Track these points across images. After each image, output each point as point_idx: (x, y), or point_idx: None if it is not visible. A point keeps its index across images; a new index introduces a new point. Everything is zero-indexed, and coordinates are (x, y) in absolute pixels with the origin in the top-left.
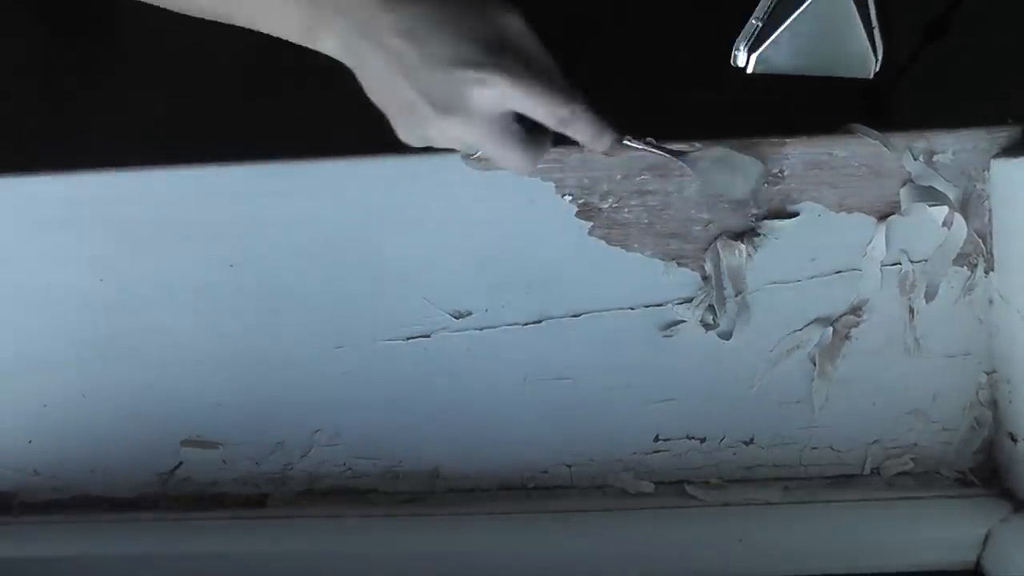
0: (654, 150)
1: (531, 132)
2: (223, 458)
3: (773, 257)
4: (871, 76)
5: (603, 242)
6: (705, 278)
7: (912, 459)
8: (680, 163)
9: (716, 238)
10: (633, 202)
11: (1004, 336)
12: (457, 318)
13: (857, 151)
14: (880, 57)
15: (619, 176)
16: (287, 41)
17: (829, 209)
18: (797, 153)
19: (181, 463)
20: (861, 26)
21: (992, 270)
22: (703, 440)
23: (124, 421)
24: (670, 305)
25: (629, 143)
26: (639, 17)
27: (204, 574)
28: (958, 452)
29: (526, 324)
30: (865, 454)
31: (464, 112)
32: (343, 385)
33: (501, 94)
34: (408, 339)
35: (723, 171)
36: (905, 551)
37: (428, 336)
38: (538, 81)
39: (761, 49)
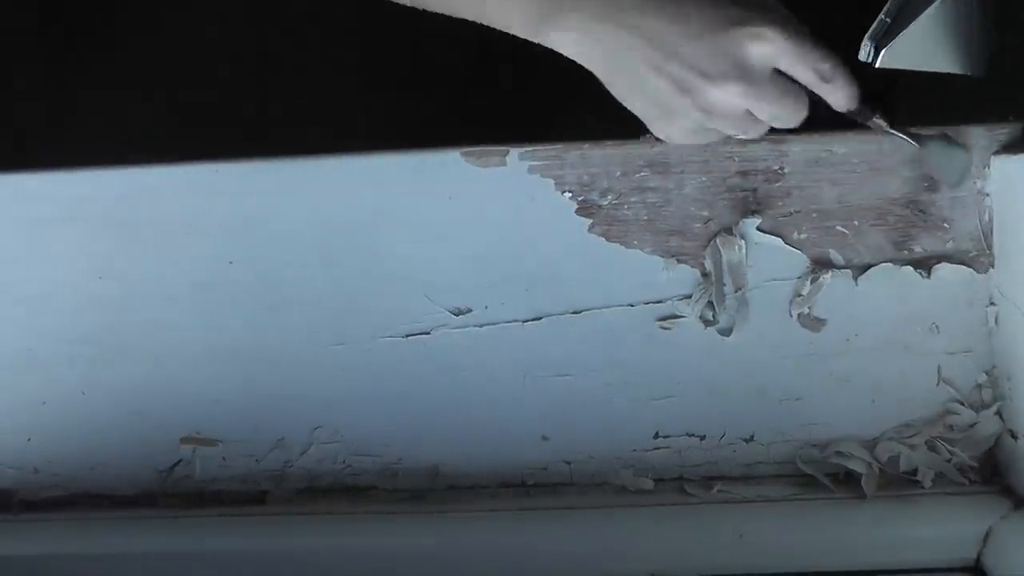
0: (890, 130)
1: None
2: (222, 455)
3: (773, 255)
4: (982, 75)
5: (603, 239)
6: (705, 274)
7: (912, 456)
8: (911, 142)
9: (716, 235)
10: (633, 199)
11: (1004, 333)
12: (457, 315)
13: (856, 148)
14: (991, 55)
15: (619, 173)
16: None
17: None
18: (797, 150)
19: (180, 460)
20: (983, 27)
21: (992, 267)
22: (703, 437)
23: (123, 418)
24: (670, 302)
25: (877, 119)
26: None
27: (203, 572)
28: (959, 449)
29: (526, 321)
30: (865, 451)
31: (743, 72)
32: (343, 382)
33: (775, 48)
34: (408, 336)
35: (944, 157)
36: (905, 548)
37: (428, 333)
38: (805, 35)
39: (889, 45)
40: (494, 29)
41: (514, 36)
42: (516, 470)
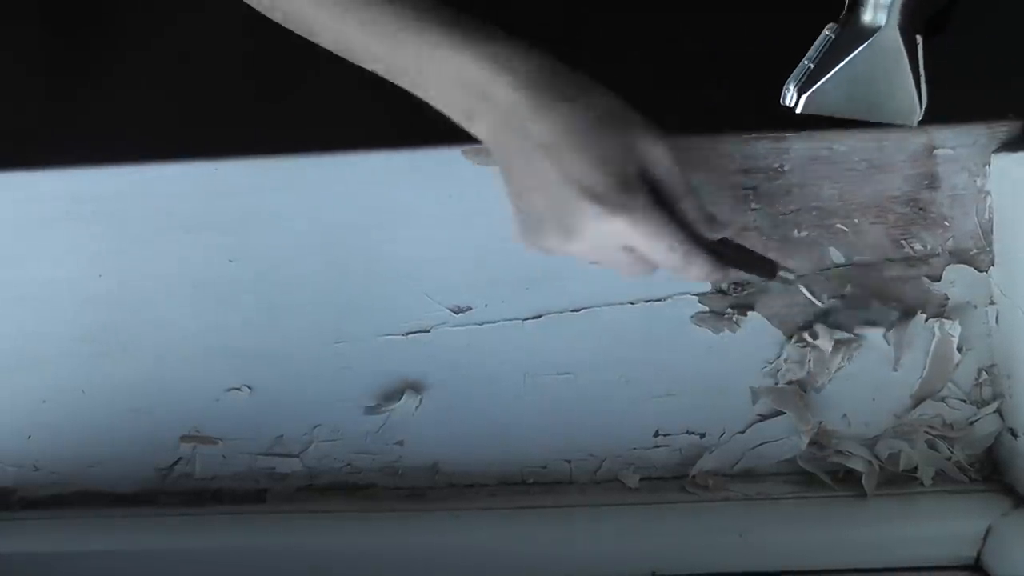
0: (802, 288)
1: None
2: (222, 453)
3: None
4: (915, 125)
5: None
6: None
7: (912, 454)
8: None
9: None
10: None
11: (1004, 331)
12: (457, 313)
13: (857, 146)
14: (924, 107)
15: None
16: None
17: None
18: (797, 147)
19: (180, 458)
20: (910, 75)
21: (992, 265)
22: (703, 435)
23: (123, 416)
24: (670, 300)
25: (784, 275)
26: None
27: (204, 570)
28: (959, 448)
29: (526, 319)
30: (865, 449)
31: (581, 239)
32: (342, 380)
33: (621, 232)
34: (408, 334)
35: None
36: (905, 546)
37: (428, 331)
38: (661, 226)
39: (811, 91)
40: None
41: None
42: (516, 468)
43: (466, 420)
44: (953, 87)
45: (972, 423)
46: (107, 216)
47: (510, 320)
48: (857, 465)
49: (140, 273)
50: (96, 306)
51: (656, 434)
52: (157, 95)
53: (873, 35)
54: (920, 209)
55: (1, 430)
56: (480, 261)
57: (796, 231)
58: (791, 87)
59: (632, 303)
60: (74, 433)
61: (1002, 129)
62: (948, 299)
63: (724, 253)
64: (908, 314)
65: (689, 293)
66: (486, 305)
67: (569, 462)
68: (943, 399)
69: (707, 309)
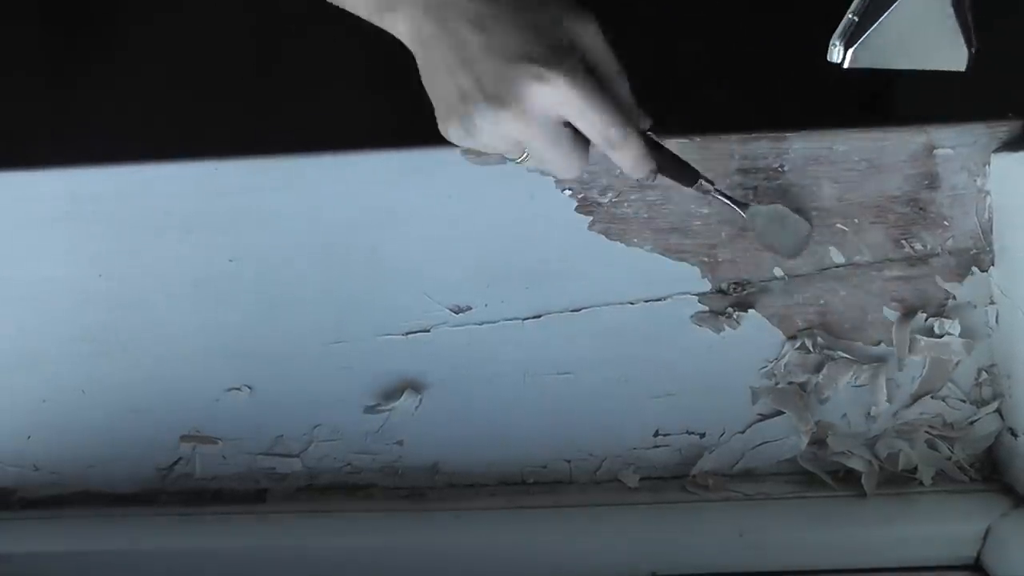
0: (717, 195)
1: (578, 138)
2: (222, 453)
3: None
4: (964, 69)
5: (603, 237)
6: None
7: (912, 454)
8: (740, 212)
9: None
10: (633, 197)
11: (1004, 331)
12: (456, 313)
13: (857, 146)
14: (974, 49)
15: (619, 171)
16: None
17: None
18: (797, 147)
19: (180, 458)
20: (956, 19)
21: (992, 265)
22: (703, 435)
23: (123, 416)
24: (670, 299)
25: (703, 184)
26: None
27: (203, 570)
28: (958, 447)
29: (526, 319)
30: (865, 449)
31: (517, 107)
32: (342, 380)
33: (558, 96)
34: (407, 334)
35: (776, 227)
36: (905, 546)
37: (427, 331)
38: (598, 93)
39: (857, 44)
40: None
41: None
42: (516, 468)
43: (466, 420)
44: (953, 87)
45: (972, 423)
46: (107, 216)
47: (510, 320)
48: (857, 465)
49: (140, 273)
50: (96, 306)
51: (656, 434)
52: (157, 95)
53: None
54: (920, 209)
55: (1, 430)
56: (480, 261)
57: None
58: (837, 43)
59: (632, 303)
60: (74, 433)
61: (1002, 129)
62: (948, 299)
63: (651, 146)
64: (908, 314)
65: (689, 293)
66: (486, 305)
67: (569, 462)
68: (943, 399)
69: (707, 309)
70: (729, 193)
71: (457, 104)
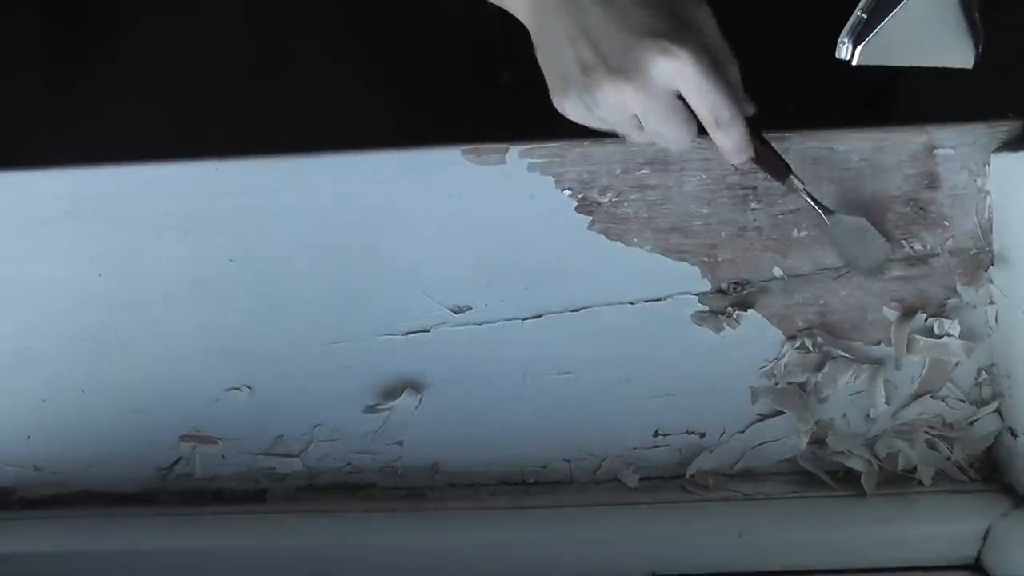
0: (805, 196)
1: (690, 111)
2: (222, 453)
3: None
4: (971, 67)
5: (603, 236)
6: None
7: (912, 454)
8: (823, 217)
9: None
10: (633, 196)
11: (1004, 331)
12: (456, 313)
13: (857, 146)
14: (981, 48)
15: (619, 171)
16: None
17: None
18: (797, 148)
19: (180, 458)
20: (963, 17)
21: (992, 265)
22: (703, 435)
23: (123, 416)
24: (670, 299)
25: (794, 182)
26: None
27: (203, 569)
28: (958, 447)
29: (525, 319)
30: (865, 449)
31: (640, 79)
32: (342, 380)
33: (679, 70)
34: (407, 334)
35: (854, 239)
36: (905, 546)
37: (427, 331)
38: (715, 72)
39: (866, 41)
40: (493, 27)
41: (515, 34)
42: (516, 468)
43: (466, 420)
44: (953, 87)
45: (972, 423)
46: (107, 216)
47: (510, 320)
48: (857, 465)
49: (140, 273)
50: (96, 306)
51: (656, 433)
52: (157, 95)
53: None
54: (920, 209)
55: (1, 430)
56: (480, 261)
57: (796, 231)
58: (846, 40)
59: (632, 303)
60: (74, 433)
61: (1002, 128)
62: (948, 299)
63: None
64: (908, 314)
65: (689, 293)
66: (486, 305)
67: (569, 462)
68: (943, 399)
69: (707, 309)
70: (816, 197)
71: (577, 76)
